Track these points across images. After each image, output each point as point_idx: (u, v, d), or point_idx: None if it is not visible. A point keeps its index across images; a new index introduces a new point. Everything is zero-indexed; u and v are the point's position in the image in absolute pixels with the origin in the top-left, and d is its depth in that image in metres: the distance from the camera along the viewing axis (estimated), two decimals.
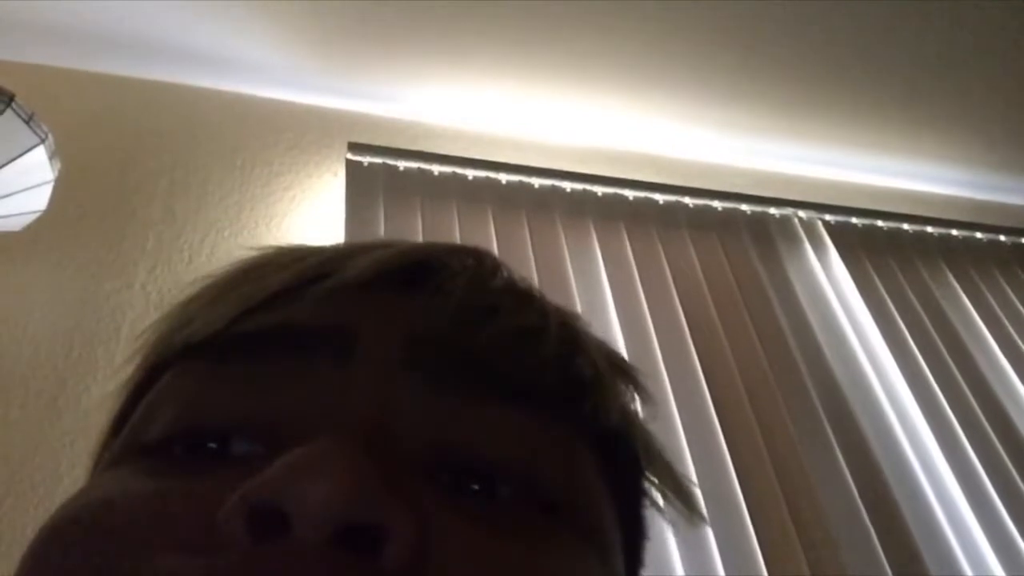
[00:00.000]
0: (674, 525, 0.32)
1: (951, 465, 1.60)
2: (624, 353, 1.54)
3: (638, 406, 0.32)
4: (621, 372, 0.32)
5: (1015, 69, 1.88)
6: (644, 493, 0.32)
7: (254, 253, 0.31)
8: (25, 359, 1.28)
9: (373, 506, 0.19)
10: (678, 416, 1.48)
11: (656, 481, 0.31)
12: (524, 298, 0.31)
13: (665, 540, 1.31)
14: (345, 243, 0.31)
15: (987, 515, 1.54)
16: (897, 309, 1.85)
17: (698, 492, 0.32)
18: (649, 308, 1.64)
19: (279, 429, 0.24)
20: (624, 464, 0.30)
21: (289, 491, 0.19)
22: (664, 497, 0.31)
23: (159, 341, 0.29)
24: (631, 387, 0.32)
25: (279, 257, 0.30)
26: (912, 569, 1.41)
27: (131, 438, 0.26)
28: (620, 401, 0.31)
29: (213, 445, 0.24)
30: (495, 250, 1.58)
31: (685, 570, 1.30)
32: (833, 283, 1.85)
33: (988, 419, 1.70)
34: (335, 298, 0.27)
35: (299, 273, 0.28)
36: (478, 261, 0.31)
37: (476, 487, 0.24)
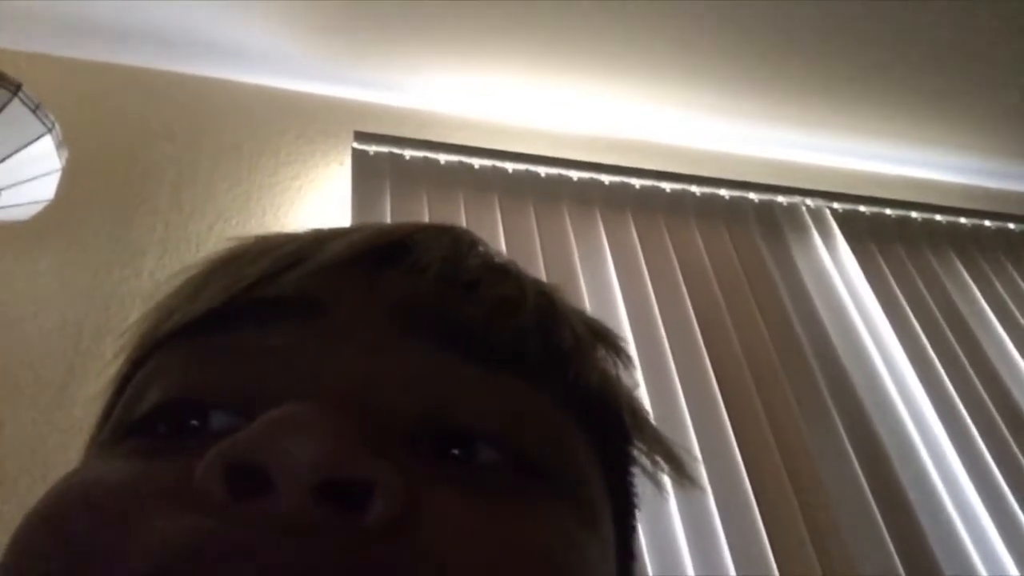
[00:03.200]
0: (665, 491, 0.32)
1: (958, 452, 1.60)
2: (632, 342, 1.55)
3: (621, 373, 0.32)
4: (601, 338, 0.32)
5: None
6: (632, 461, 0.31)
7: (232, 244, 0.31)
8: (35, 348, 1.29)
9: (357, 462, 0.19)
10: (685, 404, 1.48)
11: (644, 448, 0.31)
12: (501, 270, 0.31)
13: (673, 528, 1.32)
14: (322, 229, 0.31)
15: (993, 499, 1.54)
16: (905, 297, 1.84)
17: (687, 455, 0.32)
18: (656, 296, 1.63)
19: (257, 398, 0.24)
20: (610, 433, 0.30)
21: (269, 447, 0.18)
22: (653, 463, 0.31)
23: (143, 337, 0.29)
24: (612, 353, 0.32)
25: (256, 246, 0.30)
26: (918, 555, 1.41)
27: (116, 423, 0.27)
28: (601, 366, 0.31)
29: (195, 422, 0.24)
30: (501, 239, 1.59)
31: (693, 561, 1.30)
32: (841, 271, 1.85)
33: (996, 406, 1.69)
34: (311, 277, 0.27)
35: (276, 260, 0.28)
36: (454, 238, 0.31)
37: (459, 450, 0.24)
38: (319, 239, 0.29)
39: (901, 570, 1.37)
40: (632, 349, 1.52)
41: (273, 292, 0.27)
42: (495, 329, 0.27)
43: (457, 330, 0.27)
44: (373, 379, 0.24)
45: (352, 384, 0.24)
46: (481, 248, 0.32)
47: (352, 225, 0.32)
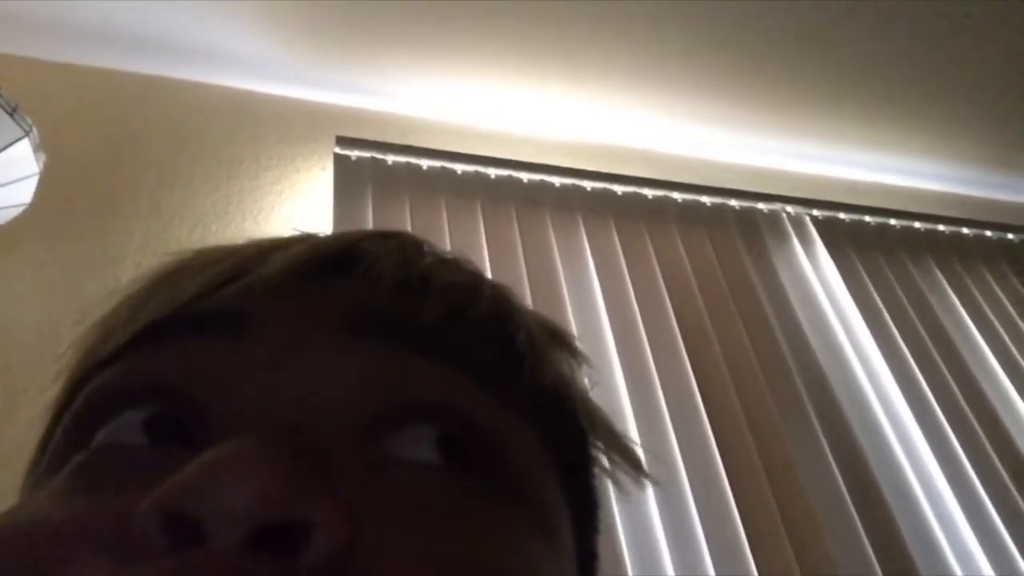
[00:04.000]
0: (626, 490, 0.32)
1: (934, 454, 1.61)
2: (613, 348, 1.55)
3: (576, 373, 0.32)
4: (555, 338, 0.31)
5: (1002, 65, 1.88)
6: (591, 461, 0.31)
7: (171, 259, 0.30)
8: (10, 355, 1.27)
9: (294, 501, 0.18)
10: (666, 409, 1.48)
11: (601, 446, 0.31)
12: (453, 266, 0.31)
13: (654, 532, 1.32)
14: (264, 240, 0.31)
15: (968, 500, 1.56)
16: (884, 304, 1.86)
17: (643, 452, 0.31)
18: (638, 303, 1.64)
19: (199, 421, 0.23)
20: (567, 434, 0.30)
21: (202, 495, 0.18)
22: (611, 461, 0.31)
23: (81, 360, 0.29)
24: (567, 353, 0.32)
25: (196, 260, 0.29)
26: (894, 553, 1.42)
27: (55, 452, 0.26)
28: (555, 367, 0.30)
29: (140, 440, 0.24)
30: (483, 245, 1.59)
31: (672, 563, 1.30)
32: (821, 278, 1.86)
33: (973, 412, 1.71)
34: (252, 291, 0.27)
35: (212, 277, 0.27)
36: (401, 242, 0.31)
37: (410, 456, 0.23)
38: (261, 252, 0.29)
39: (878, 568, 1.38)
40: (613, 354, 1.52)
41: (213, 308, 0.26)
42: (449, 327, 0.27)
43: (411, 330, 0.26)
44: (318, 394, 0.24)
45: (294, 405, 0.23)
46: (428, 249, 0.31)
47: (295, 235, 0.31)
